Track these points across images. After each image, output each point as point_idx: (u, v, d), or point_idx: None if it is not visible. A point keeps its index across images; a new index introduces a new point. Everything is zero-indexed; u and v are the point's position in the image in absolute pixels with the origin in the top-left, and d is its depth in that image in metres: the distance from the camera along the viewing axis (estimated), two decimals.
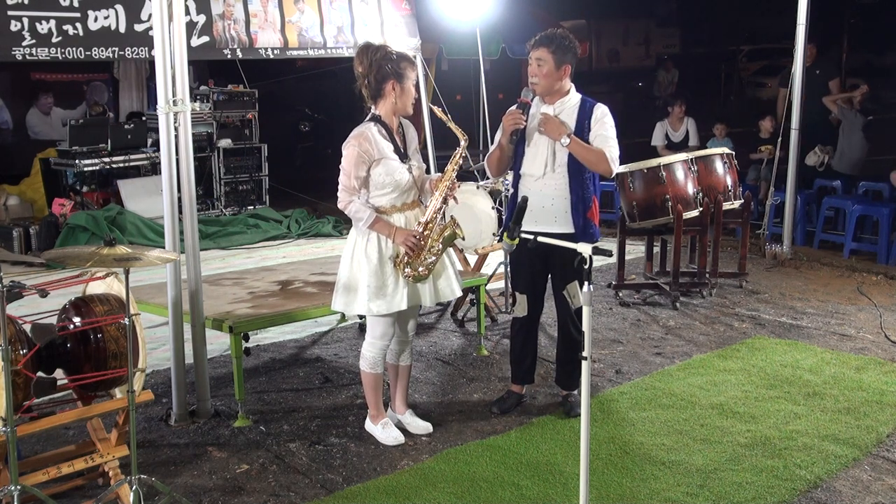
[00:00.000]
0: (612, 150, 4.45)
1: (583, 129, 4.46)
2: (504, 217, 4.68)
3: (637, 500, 3.79)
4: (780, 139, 8.62)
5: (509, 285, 6.13)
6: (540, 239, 3.44)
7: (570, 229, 4.46)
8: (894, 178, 8.63)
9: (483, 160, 4.88)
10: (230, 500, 3.81)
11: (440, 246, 4.17)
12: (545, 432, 4.47)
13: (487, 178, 5.79)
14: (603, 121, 4.46)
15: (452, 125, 4.25)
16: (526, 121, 4.46)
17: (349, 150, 4.12)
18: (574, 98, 4.53)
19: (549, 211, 4.47)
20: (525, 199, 3.59)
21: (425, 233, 4.15)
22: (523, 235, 3.49)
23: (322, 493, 3.87)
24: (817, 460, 4.12)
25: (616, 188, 7.45)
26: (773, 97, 10.84)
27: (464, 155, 4.32)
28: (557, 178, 4.47)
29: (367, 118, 4.22)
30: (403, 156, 4.20)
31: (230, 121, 10.74)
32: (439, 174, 4.26)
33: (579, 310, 4.62)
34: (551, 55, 4.40)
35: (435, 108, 4.28)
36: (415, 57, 4.72)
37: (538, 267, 4.61)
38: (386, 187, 4.15)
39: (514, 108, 4.49)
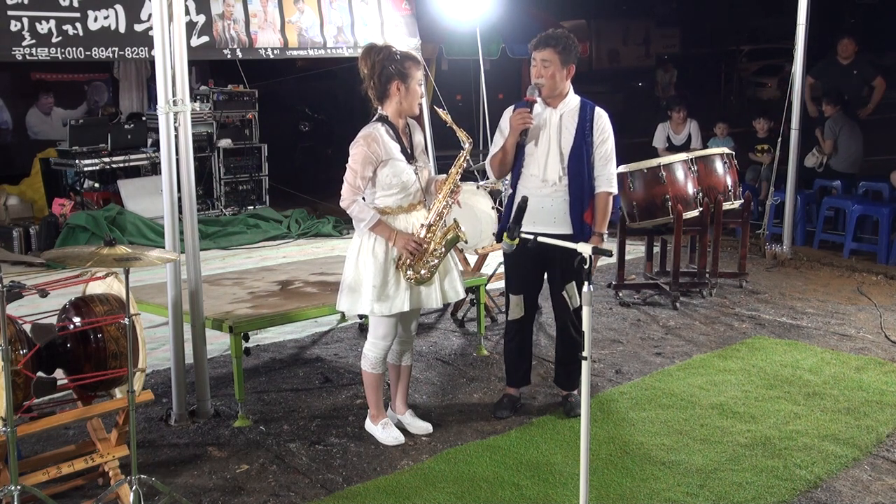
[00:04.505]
0: (613, 170, 4.54)
1: (584, 130, 4.46)
2: (502, 217, 4.66)
3: (637, 500, 3.79)
4: (780, 139, 8.63)
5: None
6: (540, 239, 3.44)
7: (568, 230, 4.46)
8: (894, 178, 8.63)
9: (482, 161, 4.86)
10: (230, 500, 3.81)
11: (443, 249, 4.17)
12: (545, 432, 4.47)
13: (487, 179, 5.78)
14: (606, 137, 4.50)
15: (456, 128, 4.24)
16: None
17: (357, 149, 4.11)
18: (574, 100, 4.53)
19: (548, 211, 4.46)
20: (525, 199, 3.59)
21: (428, 235, 4.15)
22: (523, 235, 3.49)
23: (322, 493, 3.87)
24: (817, 460, 4.12)
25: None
26: (773, 97, 10.84)
27: (467, 158, 4.32)
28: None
29: (374, 118, 4.22)
30: (410, 157, 4.21)
31: (230, 121, 10.74)
32: (444, 175, 4.26)
33: (578, 310, 4.61)
34: (557, 55, 4.40)
35: (439, 111, 4.27)
36: None
37: (534, 267, 4.59)
38: (393, 188, 4.15)
39: (513, 106, 4.48)
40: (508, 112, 4.55)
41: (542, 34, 4.47)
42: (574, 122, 4.46)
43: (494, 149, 4.56)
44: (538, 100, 4.46)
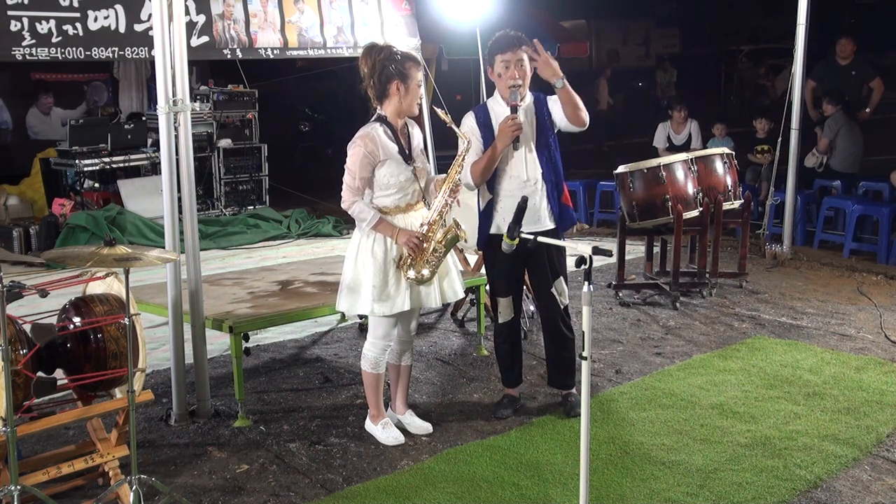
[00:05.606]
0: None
1: (545, 119, 4.51)
2: (480, 223, 4.66)
3: (637, 500, 3.79)
4: (780, 139, 8.63)
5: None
6: (540, 239, 3.44)
7: (552, 224, 4.51)
8: (894, 178, 8.63)
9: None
10: (230, 500, 3.81)
11: (443, 248, 4.17)
12: (545, 432, 4.47)
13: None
14: (556, 97, 4.51)
15: (456, 128, 4.25)
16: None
17: (355, 150, 4.12)
18: (528, 94, 4.57)
19: (532, 210, 4.44)
20: (525, 199, 3.58)
21: (428, 234, 4.15)
22: (524, 236, 3.48)
23: (322, 493, 3.87)
24: (817, 460, 4.12)
25: (616, 188, 7.45)
26: (772, 97, 10.83)
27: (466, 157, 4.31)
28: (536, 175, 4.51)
29: (373, 118, 4.22)
30: (408, 157, 4.21)
31: (230, 121, 10.74)
32: (443, 175, 4.27)
33: (567, 307, 4.62)
34: (527, 55, 4.44)
35: (438, 111, 4.27)
36: None
37: (517, 267, 4.61)
38: (391, 188, 4.15)
39: (472, 112, 4.55)
40: (469, 118, 4.55)
41: (506, 36, 4.46)
42: (534, 115, 4.51)
43: (471, 156, 4.45)
44: (520, 105, 4.45)
